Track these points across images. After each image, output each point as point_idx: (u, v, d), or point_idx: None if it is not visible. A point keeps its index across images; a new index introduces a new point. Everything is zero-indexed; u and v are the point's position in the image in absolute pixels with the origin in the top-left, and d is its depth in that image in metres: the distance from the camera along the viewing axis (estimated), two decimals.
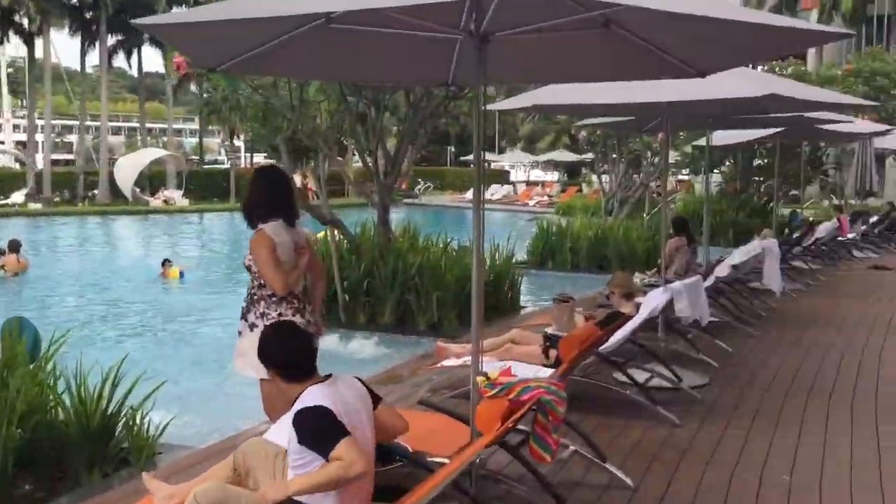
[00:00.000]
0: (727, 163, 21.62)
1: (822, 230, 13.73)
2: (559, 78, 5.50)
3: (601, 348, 5.40)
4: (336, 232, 9.72)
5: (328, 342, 8.85)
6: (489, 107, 8.00)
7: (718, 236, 18.62)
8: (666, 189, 8.37)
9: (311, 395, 2.95)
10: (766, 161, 20.32)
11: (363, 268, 9.35)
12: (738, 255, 8.71)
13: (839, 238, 14.93)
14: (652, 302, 5.80)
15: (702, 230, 9.62)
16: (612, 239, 14.65)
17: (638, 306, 6.02)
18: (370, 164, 9.96)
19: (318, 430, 2.87)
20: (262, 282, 4.27)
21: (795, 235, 13.35)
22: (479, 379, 3.15)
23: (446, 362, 6.15)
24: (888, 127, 15.91)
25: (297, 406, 2.93)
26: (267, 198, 4.29)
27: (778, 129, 11.22)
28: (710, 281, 8.03)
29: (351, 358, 8.40)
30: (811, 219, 17.29)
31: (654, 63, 4.25)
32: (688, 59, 4.28)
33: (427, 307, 9.09)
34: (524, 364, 5.66)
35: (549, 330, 6.46)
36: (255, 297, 4.32)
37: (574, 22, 3.80)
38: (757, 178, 21.17)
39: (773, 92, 5.76)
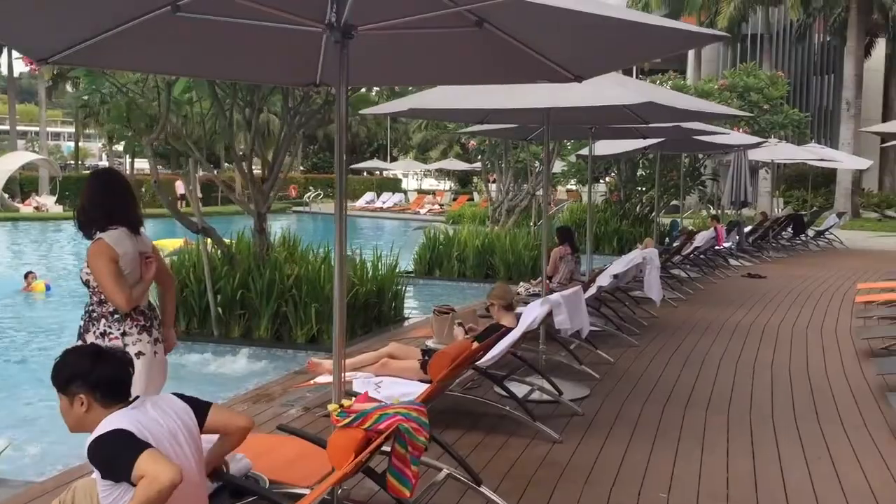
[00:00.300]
0: (612, 173, 22.09)
1: (701, 239, 14.07)
2: (431, 80, 5.29)
3: (479, 362, 5.18)
4: (209, 241, 9.19)
5: (199, 358, 8.35)
6: (366, 111, 7.74)
7: (603, 245, 19.00)
8: (548, 198, 8.29)
9: (108, 421, 2.58)
10: (647, 171, 20.85)
11: (238, 279, 8.87)
12: (620, 265, 8.72)
13: (716, 247, 15.39)
14: (529, 315, 5.63)
15: (586, 239, 9.62)
16: (498, 248, 14.62)
17: (518, 317, 5.85)
18: (244, 170, 9.45)
19: (113, 456, 2.50)
20: (103, 297, 3.84)
21: (675, 245, 13.64)
22: (332, 407, 2.85)
23: (320, 379, 5.85)
24: (761, 139, 16.61)
25: (92, 436, 2.56)
26: (105, 204, 3.83)
27: (659, 140, 11.45)
28: (592, 290, 7.99)
29: (222, 375, 7.89)
30: (690, 228, 17.79)
31: (530, 66, 4.08)
32: (564, 63, 4.13)
33: (306, 320, 8.69)
34: (400, 379, 5.40)
35: (430, 342, 6.23)
36: (95, 315, 3.88)
37: (445, 19, 3.57)
38: (640, 188, 21.71)
39: (651, 100, 5.73)
